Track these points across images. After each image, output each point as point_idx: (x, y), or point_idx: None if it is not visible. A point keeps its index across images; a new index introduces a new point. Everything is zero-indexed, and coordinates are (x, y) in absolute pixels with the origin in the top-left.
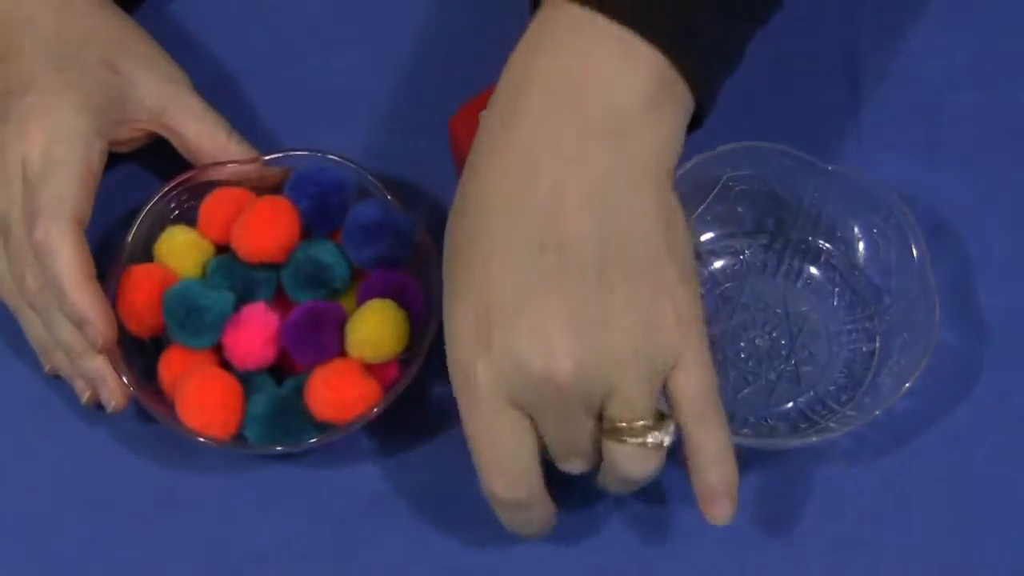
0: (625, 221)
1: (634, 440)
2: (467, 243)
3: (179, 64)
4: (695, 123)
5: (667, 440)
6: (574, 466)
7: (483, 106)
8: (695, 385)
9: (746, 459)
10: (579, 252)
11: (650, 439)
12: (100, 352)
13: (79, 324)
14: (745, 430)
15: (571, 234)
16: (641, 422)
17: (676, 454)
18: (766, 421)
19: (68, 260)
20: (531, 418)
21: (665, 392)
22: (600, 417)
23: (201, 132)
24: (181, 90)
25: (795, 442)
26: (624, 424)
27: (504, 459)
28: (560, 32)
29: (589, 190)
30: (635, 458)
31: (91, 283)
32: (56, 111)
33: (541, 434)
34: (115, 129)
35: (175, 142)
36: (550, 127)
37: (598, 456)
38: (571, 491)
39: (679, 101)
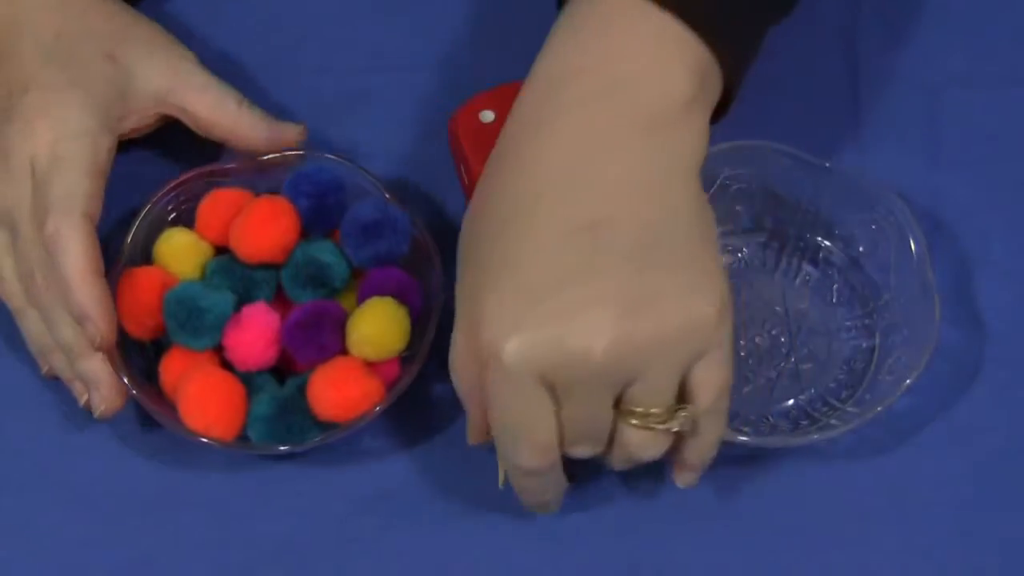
0: (667, 210)
1: (651, 425)
2: (501, 225)
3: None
4: (716, 115)
5: (680, 428)
6: (583, 451)
7: (483, 106)
8: (717, 381)
9: (747, 457)
10: (621, 235)
11: (666, 426)
12: (98, 350)
13: (81, 319)
14: (746, 428)
15: (613, 217)
16: (659, 409)
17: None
18: (767, 419)
19: (77, 255)
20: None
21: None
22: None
23: (210, 105)
24: (185, 67)
25: (796, 440)
26: (642, 409)
27: (530, 429)
28: (600, 20)
29: (632, 178)
30: (648, 441)
31: (99, 279)
32: (62, 108)
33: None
34: (122, 123)
35: (187, 120)
36: (595, 117)
37: (608, 441)
38: (572, 494)
39: (713, 92)
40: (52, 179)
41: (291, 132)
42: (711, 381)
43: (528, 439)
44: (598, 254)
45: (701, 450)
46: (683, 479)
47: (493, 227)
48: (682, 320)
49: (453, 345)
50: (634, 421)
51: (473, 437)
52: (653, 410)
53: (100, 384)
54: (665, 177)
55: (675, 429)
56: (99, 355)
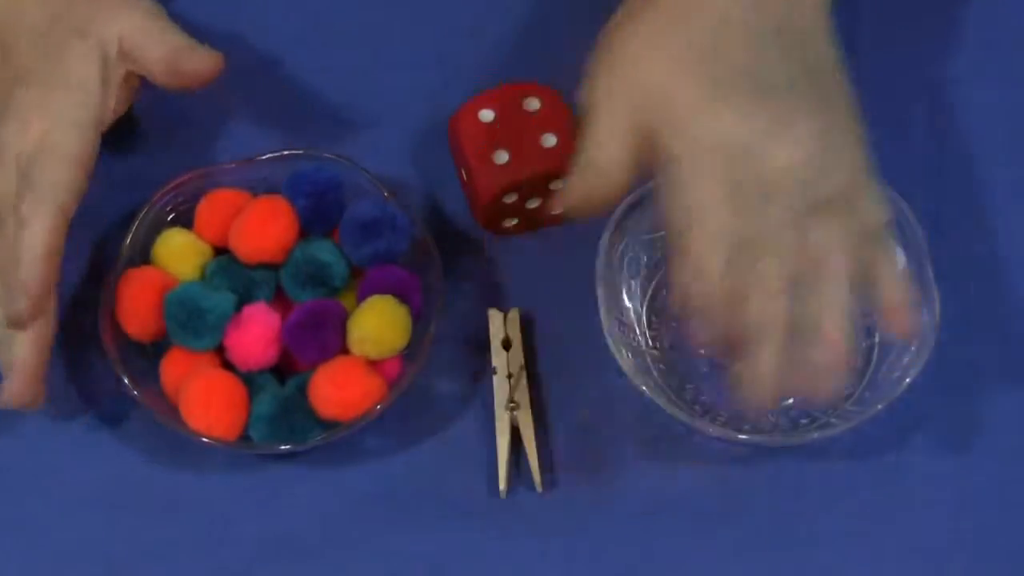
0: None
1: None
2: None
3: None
4: None
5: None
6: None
7: (483, 106)
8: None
9: (747, 456)
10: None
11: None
12: (11, 325)
13: (16, 294)
14: (746, 427)
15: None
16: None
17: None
18: (767, 418)
19: (39, 236)
20: None
21: None
22: None
23: (158, 45)
24: (145, 24)
25: (796, 439)
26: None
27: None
28: None
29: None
30: (841, 241)
31: (52, 266)
32: (53, 102)
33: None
34: (106, 101)
35: (148, 74)
36: None
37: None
38: (573, 494)
39: None
40: (35, 168)
41: (204, 59)
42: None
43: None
44: (797, 72)
45: (896, 283)
46: (898, 324)
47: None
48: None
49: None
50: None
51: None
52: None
53: (16, 371)
54: (814, 25)
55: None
56: (31, 340)
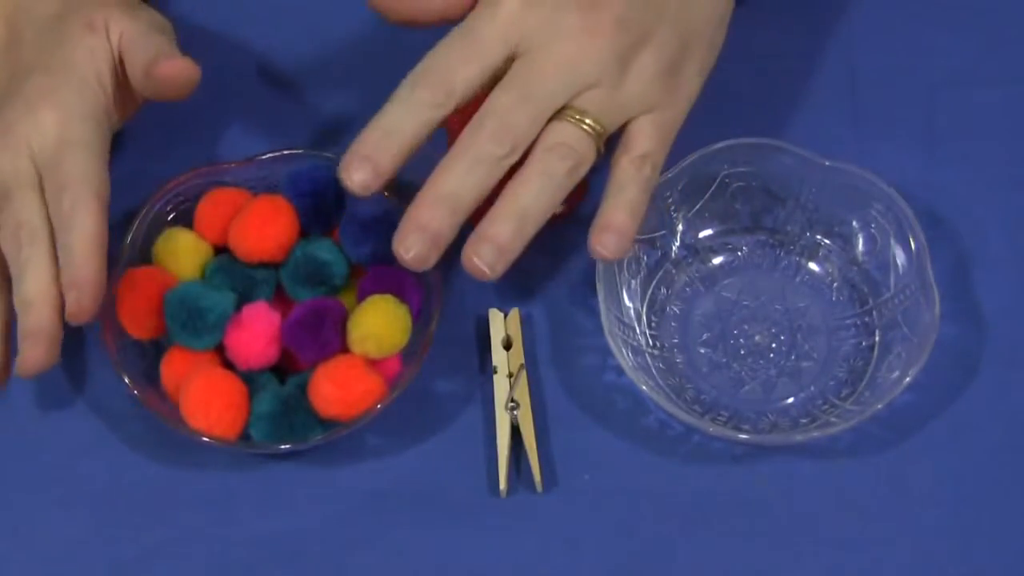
0: None
1: (585, 123)
2: None
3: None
4: None
5: (592, 152)
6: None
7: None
8: (654, 136)
9: (747, 455)
10: None
11: (596, 128)
12: (69, 319)
13: (72, 286)
14: (746, 426)
15: None
16: (599, 121)
17: (679, 449)
18: (767, 417)
19: (90, 228)
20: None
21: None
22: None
23: (142, 51)
24: (140, 30)
25: (796, 438)
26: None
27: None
28: None
29: None
30: (574, 138)
31: (103, 259)
32: (62, 92)
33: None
34: (113, 95)
35: (132, 79)
36: None
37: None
38: (573, 493)
39: None
40: (65, 159)
41: (178, 66)
42: (647, 133)
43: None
44: None
45: (620, 207)
46: (601, 241)
47: None
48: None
49: None
50: (573, 117)
51: None
52: (591, 120)
53: (41, 336)
54: None
55: (600, 133)
56: (49, 310)
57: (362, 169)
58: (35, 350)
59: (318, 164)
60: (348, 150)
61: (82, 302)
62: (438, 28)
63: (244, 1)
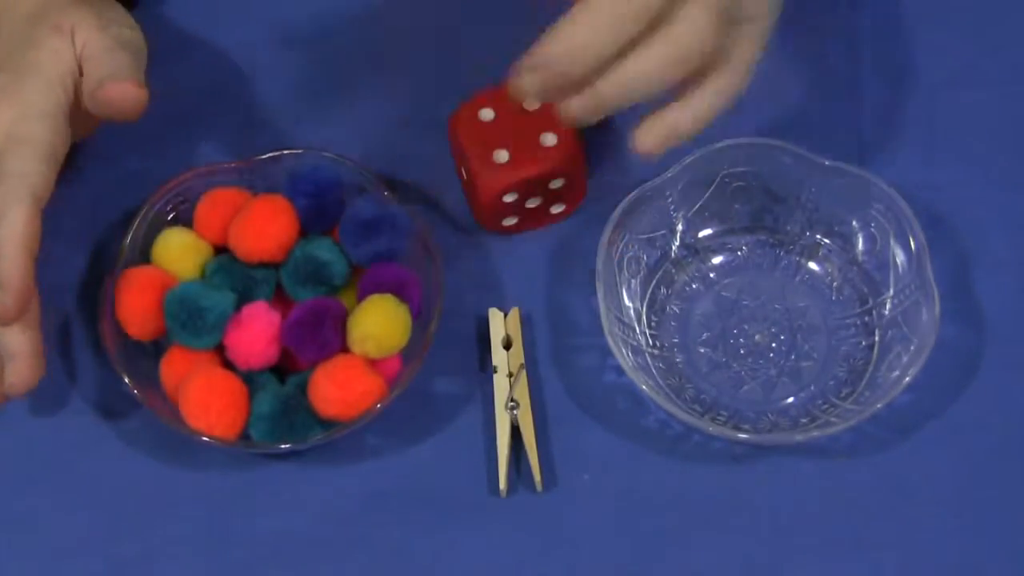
0: None
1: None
2: None
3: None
4: None
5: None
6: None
7: (483, 105)
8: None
9: (747, 455)
10: None
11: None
12: (3, 320)
13: (1, 290)
14: (746, 426)
15: None
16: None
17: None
18: (767, 417)
19: (17, 227)
20: None
21: None
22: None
23: (96, 68)
24: (103, 44)
25: (796, 438)
26: None
27: None
28: None
29: None
30: (704, 21)
31: (30, 259)
32: (24, 91)
33: None
34: (74, 99)
35: (84, 93)
36: None
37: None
38: (573, 493)
39: None
40: (8, 157)
41: (123, 89)
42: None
43: None
44: None
45: (715, 99)
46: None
47: None
48: None
49: None
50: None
51: None
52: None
53: (16, 357)
54: None
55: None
56: (21, 328)
57: None
58: (11, 366)
59: (318, 164)
60: None
61: (5, 301)
62: (438, 29)
63: (244, 1)
